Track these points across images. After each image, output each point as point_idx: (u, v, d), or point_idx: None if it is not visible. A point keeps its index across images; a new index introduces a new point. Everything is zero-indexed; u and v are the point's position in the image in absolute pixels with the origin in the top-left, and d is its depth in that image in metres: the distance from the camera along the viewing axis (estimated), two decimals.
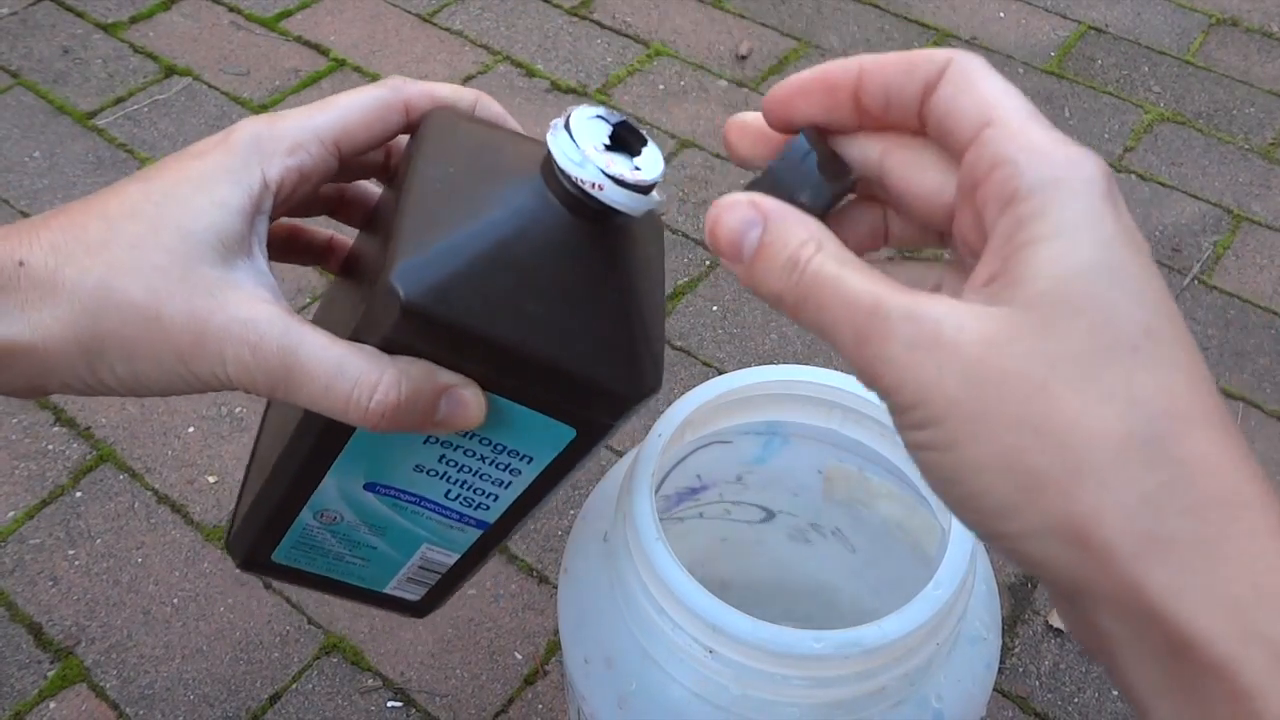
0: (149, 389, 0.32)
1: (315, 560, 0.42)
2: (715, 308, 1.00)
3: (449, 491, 0.38)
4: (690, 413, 0.48)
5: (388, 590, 0.44)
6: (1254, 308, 1.04)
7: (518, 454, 0.36)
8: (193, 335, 0.30)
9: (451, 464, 0.36)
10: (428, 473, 0.37)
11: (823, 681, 0.41)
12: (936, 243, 0.31)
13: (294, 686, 0.74)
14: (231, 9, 1.30)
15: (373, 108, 0.36)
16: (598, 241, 0.33)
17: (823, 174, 0.28)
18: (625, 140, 0.32)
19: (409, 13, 1.31)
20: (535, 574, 0.81)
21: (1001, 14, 1.38)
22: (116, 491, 0.84)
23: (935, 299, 0.25)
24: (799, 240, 0.27)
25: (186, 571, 0.80)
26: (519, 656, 0.77)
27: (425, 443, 0.36)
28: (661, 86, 1.24)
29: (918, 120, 0.28)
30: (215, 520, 0.83)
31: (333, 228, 0.44)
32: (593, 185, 0.31)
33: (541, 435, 0.35)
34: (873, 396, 0.26)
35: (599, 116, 0.32)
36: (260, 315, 0.31)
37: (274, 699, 0.74)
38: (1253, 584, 0.22)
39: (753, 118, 0.31)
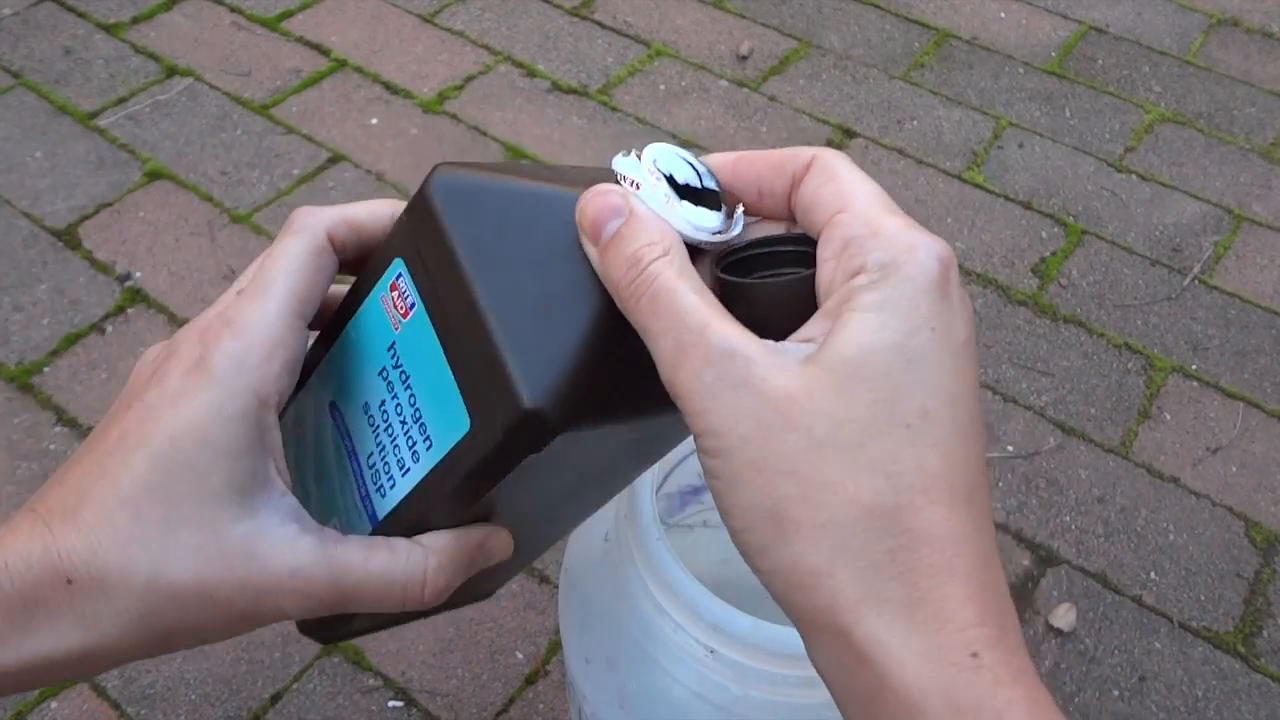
0: (214, 643, 0.35)
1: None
2: None
3: (370, 455, 0.37)
4: None
5: None
6: (1255, 307, 1.04)
7: (424, 428, 0.34)
8: (248, 602, 0.32)
9: (384, 415, 0.36)
10: (368, 417, 0.36)
11: (823, 681, 0.41)
12: None
13: (295, 686, 0.74)
14: (233, 9, 1.30)
15: (307, 265, 0.34)
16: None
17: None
18: (703, 198, 0.32)
19: (410, 13, 1.31)
20: (536, 574, 0.81)
21: (1002, 14, 1.38)
22: None
23: (755, 342, 0.27)
24: (648, 240, 0.29)
25: None
26: (520, 656, 0.77)
27: (379, 374, 0.35)
28: (662, 87, 1.24)
29: (786, 210, 0.31)
30: None
31: None
32: (629, 181, 0.31)
33: (446, 413, 0.33)
34: None
35: (687, 161, 0.32)
36: (302, 561, 0.32)
37: (275, 699, 0.74)
38: (938, 644, 0.26)
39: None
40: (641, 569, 0.42)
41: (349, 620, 0.40)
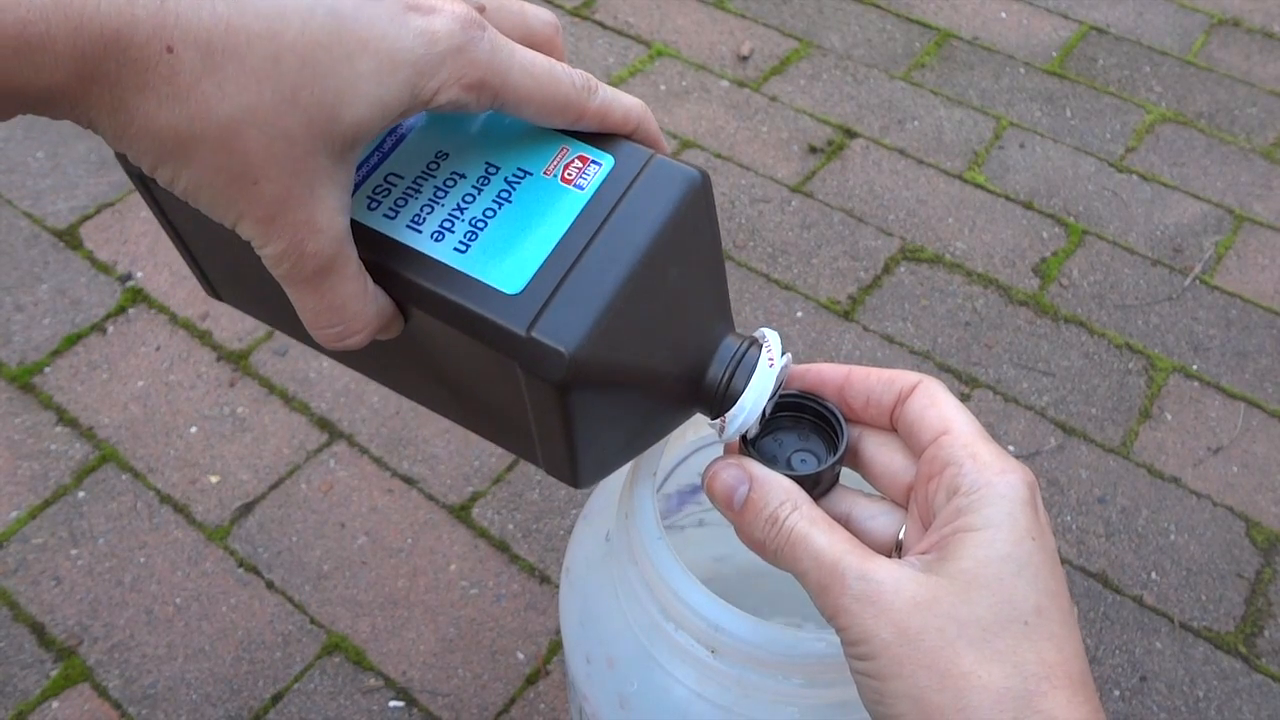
0: (191, 202, 0.31)
1: None
2: None
3: (399, 179, 0.35)
4: None
5: None
6: (1255, 308, 1.04)
7: (473, 237, 0.33)
8: (266, 213, 0.30)
9: (449, 183, 0.34)
10: (431, 165, 0.35)
11: (824, 682, 0.41)
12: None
13: (296, 686, 0.74)
14: None
15: (555, 101, 0.34)
16: (675, 389, 0.36)
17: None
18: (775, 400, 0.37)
19: None
20: (537, 574, 0.81)
21: (1003, 14, 1.38)
22: (119, 491, 0.84)
23: (883, 563, 0.33)
24: (779, 500, 0.35)
25: (189, 571, 0.80)
26: (521, 656, 0.77)
27: (486, 166, 0.34)
28: (663, 87, 1.24)
29: (887, 420, 0.38)
30: (218, 520, 0.83)
31: None
32: (720, 428, 0.36)
33: (506, 259, 0.32)
34: None
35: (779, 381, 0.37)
36: (329, 229, 0.31)
37: (276, 699, 0.74)
38: None
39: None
40: (642, 569, 0.42)
41: (236, 265, 0.36)
